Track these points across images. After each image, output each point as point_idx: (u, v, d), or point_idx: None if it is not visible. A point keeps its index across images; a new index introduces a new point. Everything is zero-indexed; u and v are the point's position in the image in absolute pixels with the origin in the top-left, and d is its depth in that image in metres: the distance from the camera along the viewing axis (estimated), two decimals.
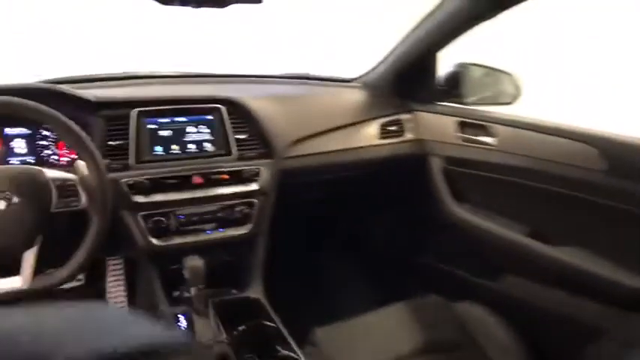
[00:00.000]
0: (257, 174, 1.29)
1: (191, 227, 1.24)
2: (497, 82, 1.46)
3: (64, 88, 1.18)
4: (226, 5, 0.82)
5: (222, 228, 1.28)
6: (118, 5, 2.84)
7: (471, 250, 1.54)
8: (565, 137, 1.18)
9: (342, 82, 1.70)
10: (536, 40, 2.25)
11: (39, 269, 0.95)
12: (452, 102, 1.52)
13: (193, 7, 0.79)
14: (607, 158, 1.10)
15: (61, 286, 0.99)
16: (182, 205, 1.23)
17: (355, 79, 1.69)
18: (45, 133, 1.21)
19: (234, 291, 1.36)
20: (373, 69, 1.65)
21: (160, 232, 1.21)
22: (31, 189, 0.93)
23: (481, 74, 1.48)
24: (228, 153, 1.28)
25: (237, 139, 1.30)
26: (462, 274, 1.58)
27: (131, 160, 1.19)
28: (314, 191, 1.65)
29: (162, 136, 1.25)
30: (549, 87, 2.05)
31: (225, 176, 1.26)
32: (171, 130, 1.26)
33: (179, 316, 1.20)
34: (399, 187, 1.79)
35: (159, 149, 1.24)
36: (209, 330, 1.08)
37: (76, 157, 1.08)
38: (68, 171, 1.00)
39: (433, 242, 1.73)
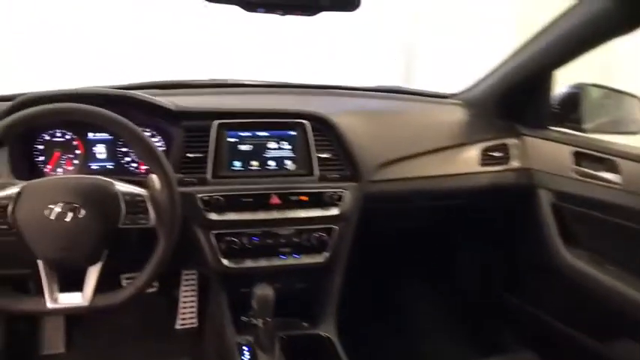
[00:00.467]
0: (339, 198, 1.18)
1: (265, 251, 1.17)
2: (621, 107, 1.33)
3: (142, 95, 1.15)
4: (316, 13, 0.77)
5: (298, 254, 1.19)
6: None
7: (581, 303, 1.33)
8: None
9: (438, 97, 1.55)
10: None
11: (101, 281, 0.92)
12: (566, 128, 1.36)
13: (280, 14, 0.75)
14: None
15: None
16: (256, 225, 1.16)
17: (454, 95, 1.53)
18: None
19: (304, 324, 1.27)
20: (476, 85, 1.48)
21: (232, 253, 1.15)
22: (100, 202, 0.89)
23: (602, 97, 1.35)
24: (310, 173, 1.19)
25: (320, 158, 1.20)
26: (566, 329, 1.37)
27: (208, 175, 1.13)
28: (399, 220, 1.52)
29: (242, 151, 1.18)
30: None
31: (305, 198, 1.17)
32: (252, 144, 1.19)
33: (243, 348, 1.13)
34: (499, 221, 1.60)
35: (237, 164, 1.17)
36: None
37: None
38: (141, 184, 0.95)
39: (533, 287, 1.51)
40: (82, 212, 0.87)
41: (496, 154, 1.38)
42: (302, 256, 1.19)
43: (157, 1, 2.96)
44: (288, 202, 1.16)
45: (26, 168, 1.13)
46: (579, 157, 1.27)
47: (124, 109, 0.97)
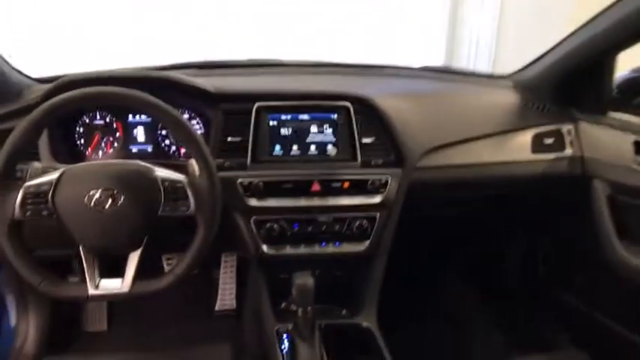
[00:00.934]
0: (383, 185, 1.13)
1: (305, 238, 1.14)
2: None
3: (181, 77, 1.12)
4: None
5: (338, 242, 1.15)
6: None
7: (636, 302, 1.24)
8: None
9: (488, 78, 1.46)
10: None
11: (142, 265, 0.90)
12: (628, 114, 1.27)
13: None
14: None
15: None
16: (295, 212, 1.12)
17: (506, 76, 1.43)
18: None
19: (344, 312, 1.24)
20: (529, 66, 1.38)
21: (272, 239, 1.12)
22: (139, 188, 0.87)
23: None
24: (353, 159, 1.14)
25: (363, 144, 1.15)
26: (619, 329, 1.29)
27: (248, 160, 1.10)
28: (445, 208, 1.45)
29: (283, 135, 1.14)
30: None
31: (347, 184, 1.12)
32: (293, 128, 1.14)
33: (283, 335, 1.12)
34: (549, 213, 1.52)
35: (278, 149, 1.13)
36: (313, 358, 0.98)
37: None
38: (180, 169, 0.93)
39: (584, 283, 1.43)
40: (121, 199, 0.85)
41: (549, 141, 1.28)
42: (342, 244, 1.15)
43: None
44: (329, 189, 1.11)
45: (67, 151, 1.13)
46: None
47: (163, 91, 0.95)
